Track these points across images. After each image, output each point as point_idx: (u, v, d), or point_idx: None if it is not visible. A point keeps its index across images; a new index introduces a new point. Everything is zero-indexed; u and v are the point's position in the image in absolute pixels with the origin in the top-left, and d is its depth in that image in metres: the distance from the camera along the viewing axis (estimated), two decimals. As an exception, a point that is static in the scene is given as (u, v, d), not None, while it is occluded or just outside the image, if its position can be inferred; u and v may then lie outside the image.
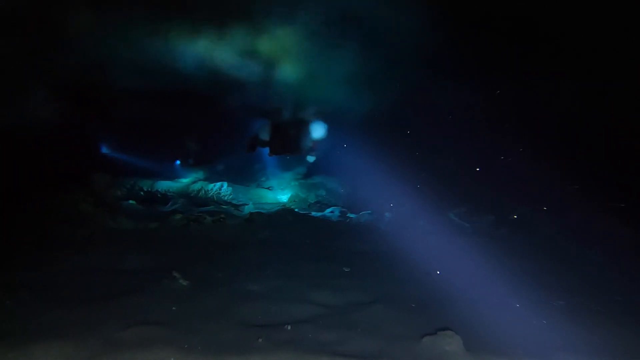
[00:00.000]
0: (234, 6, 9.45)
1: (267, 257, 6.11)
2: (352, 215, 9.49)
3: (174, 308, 4.12)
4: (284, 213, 9.12)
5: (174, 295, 4.43)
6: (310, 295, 4.60)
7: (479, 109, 10.95)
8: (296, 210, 9.95)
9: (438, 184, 10.03)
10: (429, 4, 9.44)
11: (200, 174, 13.09)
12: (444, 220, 8.75)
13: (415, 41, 9.63)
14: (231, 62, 9.82)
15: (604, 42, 9.69)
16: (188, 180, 12.43)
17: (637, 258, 6.54)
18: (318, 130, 10.47)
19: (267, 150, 11.22)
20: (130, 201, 9.43)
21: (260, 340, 3.52)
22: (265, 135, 10.85)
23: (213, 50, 9.71)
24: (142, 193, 11.08)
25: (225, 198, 11.35)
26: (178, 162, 13.11)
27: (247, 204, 10.76)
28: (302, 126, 10.78)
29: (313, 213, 9.95)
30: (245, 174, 13.14)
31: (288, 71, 10.32)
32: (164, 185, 11.81)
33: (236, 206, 10.37)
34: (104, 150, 12.66)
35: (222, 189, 11.76)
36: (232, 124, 11.67)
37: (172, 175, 12.56)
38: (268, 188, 12.45)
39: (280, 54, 10.16)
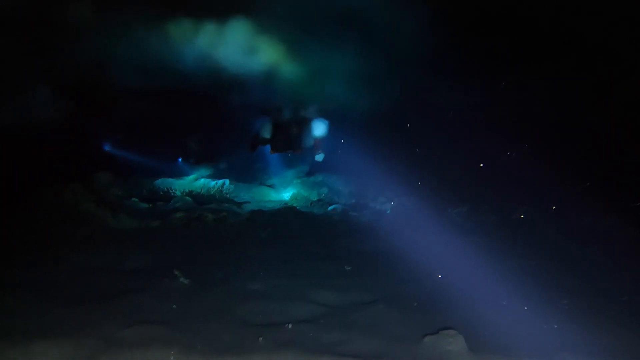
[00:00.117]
0: (236, 4, 9.44)
1: (268, 255, 6.08)
2: (354, 214, 9.47)
3: (174, 307, 4.10)
4: (285, 211, 9.10)
5: (174, 294, 4.42)
6: (312, 295, 4.57)
7: (481, 108, 10.92)
8: (298, 208, 9.93)
9: (440, 183, 10.00)
10: (431, 3, 9.42)
11: (202, 172, 13.08)
12: (446, 219, 8.72)
13: (417, 40, 9.60)
14: (233, 60, 9.80)
15: (604, 42, 9.65)
16: (190, 178, 12.43)
17: (640, 257, 6.48)
18: (320, 129, 10.43)
19: (268, 148, 11.18)
20: (133, 199, 9.43)
21: (260, 339, 3.49)
22: (266, 134, 10.81)
23: (214, 49, 9.69)
24: (144, 191, 11.08)
25: (227, 196, 11.34)
26: (180, 160, 13.09)
27: (249, 202, 10.75)
28: (304, 124, 10.74)
29: (315, 211, 9.92)
30: (247, 172, 13.13)
31: (289, 69, 10.29)
32: (166, 183, 11.81)
33: (238, 204, 10.36)
34: (106, 148, 12.65)
35: (224, 187, 11.76)
36: (234, 122, 11.65)
37: (175, 174, 12.56)
38: (270, 186, 12.44)
39: (281, 52, 10.13)
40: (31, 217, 6.87)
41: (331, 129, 10.77)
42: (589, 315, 4.29)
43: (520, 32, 10.05)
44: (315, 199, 11.33)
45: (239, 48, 9.71)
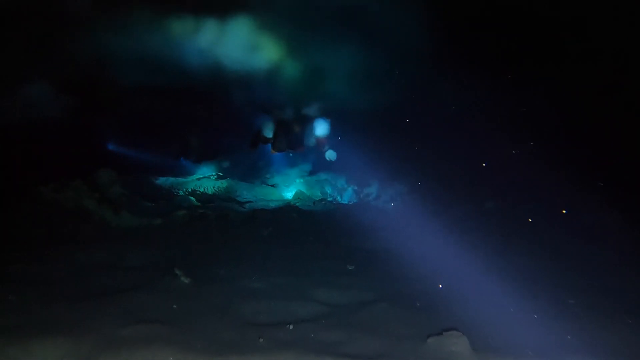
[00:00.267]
0: (238, 2, 9.42)
1: (270, 254, 6.05)
2: (356, 212, 9.41)
3: (174, 306, 4.06)
4: (288, 210, 9.06)
5: (175, 293, 4.38)
6: (314, 294, 4.53)
7: (484, 106, 10.86)
8: (300, 207, 9.89)
9: (442, 181, 9.95)
10: (433, 3, 9.40)
11: (205, 171, 13.07)
12: (449, 217, 8.65)
13: (419, 39, 9.58)
14: (235, 59, 9.79)
15: (606, 41, 9.59)
16: (193, 177, 12.42)
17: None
18: (321, 127, 10.39)
19: (270, 147, 11.16)
20: (135, 197, 9.40)
21: (261, 340, 3.45)
22: (268, 132, 10.78)
23: (216, 46, 9.68)
24: (146, 190, 11.05)
25: (230, 195, 11.31)
26: (182, 158, 13.08)
27: (251, 201, 10.72)
28: (306, 123, 10.70)
29: (317, 210, 9.88)
30: (250, 171, 13.12)
31: (291, 67, 10.27)
32: (169, 182, 11.80)
33: (241, 203, 10.33)
34: (109, 146, 12.65)
35: (226, 185, 11.74)
36: (236, 120, 11.63)
37: (178, 172, 12.55)
38: (273, 185, 12.41)
39: (282, 50, 10.11)
40: (32, 214, 6.86)
41: (335, 127, 10.75)
42: (597, 314, 4.21)
43: (522, 32, 10.02)
44: (318, 198, 11.29)
45: (241, 46, 9.69)
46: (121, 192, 8.66)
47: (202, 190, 11.52)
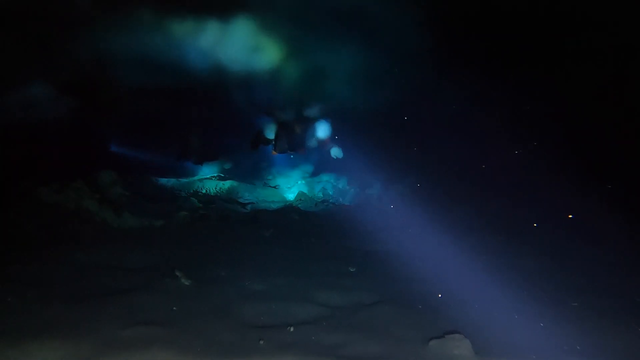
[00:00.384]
0: (239, 3, 9.42)
1: (271, 255, 6.02)
2: (358, 214, 9.38)
3: (174, 308, 4.03)
4: (289, 211, 9.03)
5: (175, 295, 4.36)
6: (315, 296, 4.50)
7: (485, 108, 10.82)
8: (302, 208, 9.87)
9: (444, 183, 9.91)
10: (436, 4, 9.39)
11: (207, 172, 13.06)
12: (451, 219, 8.60)
13: (420, 40, 9.56)
14: (236, 60, 9.78)
15: (606, 41, 9.55)
16: (195, 178, 12.41)
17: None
18: (323, 129, 10.38)
19: (271, 148, 11.15)
20: (137, 198, 9.39)
21: (261, 341, 3.42)
22: (269, 133, 10.78)
23: (218, 48, 9.68)
24: (148, 190, 11.04)
25: (231, 196, 11.29)
26: (181, 159, 13.06)
27: (253, 203, 10.70)
28: (307, 124, 10.69)
29: (319, 211, 9.85)
30: (252, 172, 13.11)
31: (292, 69, 10.26)
32: (171, 182, 11.79)
33: (242, 204, 10.31)
34: (111, 147, 12.65)
35: (228, 187, 11.72)
36: (238, 121, 11.63)
37: (180, 173, 12.54)
38: (274, 187, 12.40)
39: (284, 52, 10.10)
40: (34, 215, 6.84)
41: (337, 129, 10.73)
42: (600, 317, 4.17)
43: (523, 31, 9.99)
44: (319, 200, 11.26)
45: (242, 47, 9.69)
46: (122, 193, 8.64)
47: (204, 191, 11.51)
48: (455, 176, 10.36)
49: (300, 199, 11.25)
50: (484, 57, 10.42)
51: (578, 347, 3.55)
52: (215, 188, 11.60)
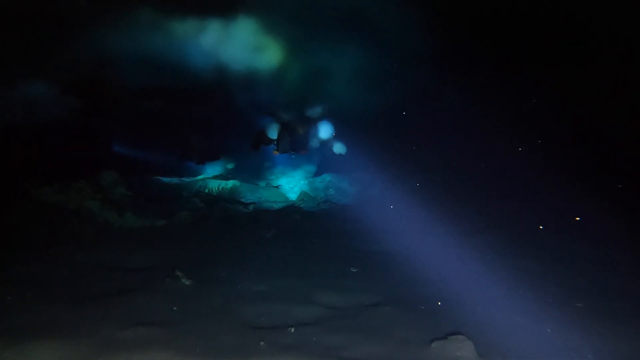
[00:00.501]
0: (241, 4, 9.41)
1: (273, 256, 5.99)
2: (360, 214, 9.34)
3: (174, 308, 4.01)
4: (291, 211, 9.00)
5: (175, 295, 4.33)
6: (316, 296, 4.47)
7: (486, 108, 10.78)
8: (304, 208, 9.83)
9: (447, 183, 9.87)
10: (437, 5, 9.36)
11: (209, 172, 13.05)
12: (452, 220, 8.55)
13: (422, 40, 9.52)
14: (239, 60, 9.77)
15: (606, 41, 9.50)
16: (197, 178, 12.40)
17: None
18: (325, 130, 10.35)
19: (273, 148, 11.12)
20: (139, 198, 9.38)
21: (262, 343, 3.39)
22: (271, 134, 10.75)
23: (220, 49, 9.67)
24: (150, 191, 11.03)
25: (234, 196, 11.27)
26: (183, 159, 13.06)
27: (255, 203, 10.67)
28: (309, 124, 10.66)
29: (320, 212, 9.81)
30: (254, 172, 13.10)
31: (295, 69, 10.24)
32: (173, 182, 11.78)
33: (244, 205, 10.29)
34: (113, 147, 12.66)
35: (230, 187, 11.70)
36: (240, 122, 11.61)
37: (183, 174, 12.54)
38: (277, 187, 12.38)
39: (286, 52, 10.08)
40: (35, 215, 6.84)
41: (339, 129, 10.70)
42: (605, 318, 4.12)
43: (525, 32, 9.95)
44: (321, 199, 11.23)
45: (245, 47, 9.68)
46: (124, 194, 8.63)
47: (206, 191, 11.49)
48: (458, 176, 10.32)
49: (302, 199, 11.22)
50: (486, 57, 10.38)
51: (582, 349, 3.51)
52: (218, 188, 11.58)
